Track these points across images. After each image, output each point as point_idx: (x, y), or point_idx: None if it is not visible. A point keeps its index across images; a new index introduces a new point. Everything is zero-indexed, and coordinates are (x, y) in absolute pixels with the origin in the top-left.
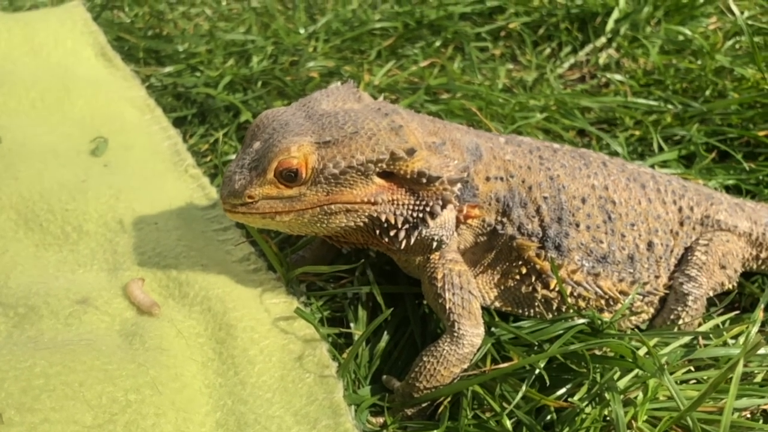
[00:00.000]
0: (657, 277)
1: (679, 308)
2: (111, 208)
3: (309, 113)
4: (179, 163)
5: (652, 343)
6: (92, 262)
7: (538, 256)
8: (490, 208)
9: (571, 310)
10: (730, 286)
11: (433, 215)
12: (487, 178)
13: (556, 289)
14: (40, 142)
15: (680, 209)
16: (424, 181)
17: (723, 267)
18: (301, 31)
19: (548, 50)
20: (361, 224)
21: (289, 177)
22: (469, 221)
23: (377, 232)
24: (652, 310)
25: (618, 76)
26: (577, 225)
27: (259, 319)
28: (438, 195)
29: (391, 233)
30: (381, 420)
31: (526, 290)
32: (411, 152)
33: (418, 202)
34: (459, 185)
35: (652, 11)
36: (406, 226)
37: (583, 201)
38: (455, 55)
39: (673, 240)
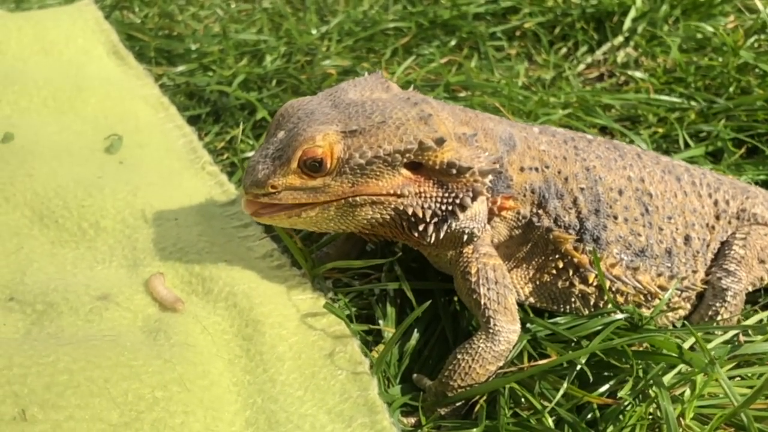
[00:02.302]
0: (694, 272)
1: (718, 304)
2: (129, 204)
3: (335, 102)
4: (195, 161)
5: (691, 341)
6: (111, 259)
7: (575, 249)
8: (525, 199)
9: (610, 305)
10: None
11: (463, 208)
12: (522, 169)
13: (594, 284)
14: (52, 140)
15: (716, 202)
16: (454, 172)
17: (762, 261)
18: (313, 31)
19: (564, 50)
20: (388, 218)
21: (313, 167)
22: (503, 213)
23: (405, 226)
24: (688, 306)
25: (638, 74)
26: (615, 217)
27: (286, 316)
28: (468, 187)
29: (420, 227)
30: (413, 420)
31: (563, 285)
32: (440, 142)
33: (447, 195)
34: (490, 177)
35: (669, 10)
36: (435, 219)
37: (620, 193)
38: (471, 54)
39: (710, 234)
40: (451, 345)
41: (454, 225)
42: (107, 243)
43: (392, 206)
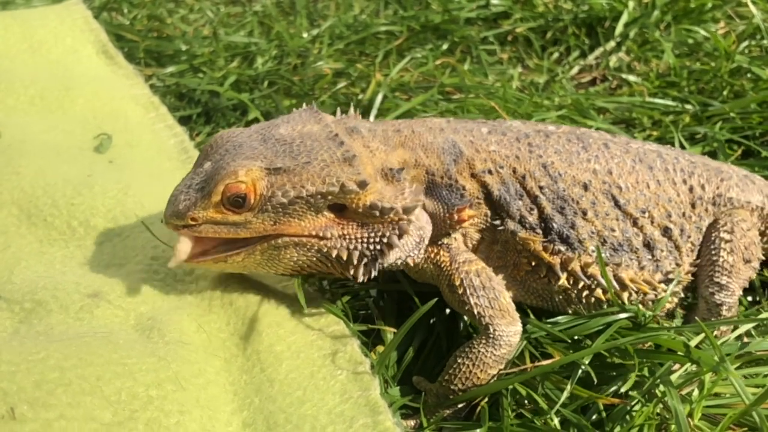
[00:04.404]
0: (678, 264)
1: (713, 319)
2: (119, 203)
3: (265, 137)
4: (187, 161)
5: (697, 340)
6: (101, 257)
7: (545, 249)
8: (485, 203)
9: (607, 304)
10: (754, 276)
11: (390, 246)
12: (473, 175)
13: (570, 281)
14: (40, 139)
15: (691, 189)
16: (378, 213)
17: (748, 261)
18: (304, 35)
19: (556, 54)
20: (314, 259)
21: (235, 202)
22: (464, 224)
23: (336, 267)
24: (675, 300)
25: (632, 77)
26: (584, 213)
27: (284, 315)
28: (394, 225)
29: (350, 269)
30: (413, 422)
31: (541, 282)
32: (363, 185)
33: (372, 235)
34: (417, 212)
35: (660, 16)
36: (364, 260)
37: (585, 187)
38: (463, 58)
39: (688, 224)
40: (446, 347)
41: (385, 263)
42: (97, 241)
43: (315, 248)
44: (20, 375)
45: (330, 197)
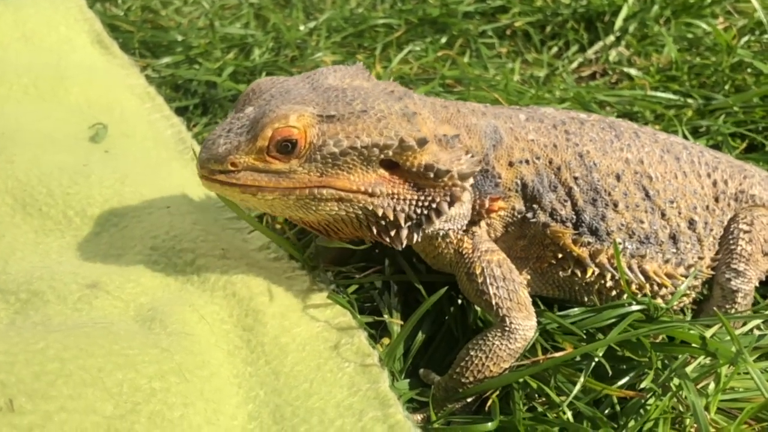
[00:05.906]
0: (701, 258)
1: (728, 306)
2: (117, 193)
3: (314, 85)
4: (185, 151)
5: (711, 331)
6: (98, 247)
7: (574, 242)
8: (518, 195)
9: (626, 296)
10: None
11: (439, 213)
12: (510, 164)
13: (596, 273)
14: (35, 128)
15: (715, 183)
16: (432, 175)
17: (767, 254)
18: (301, 27)
19: (555, 49)
20: (354, 216)
21: (283, 148)
22: (492, 215)
23: (374, 228)
24: (693, 294)
25: (633, 71)
26: (615, 205)
27: (288, 306)
28: (446, 191)
29: (392, 232)
30: (419, 417)
31: (564, 274)
32: (422, 143)
33: (422, 198)
34: (471, 180)
35: (660, 11)
36: (409, 223)
37: (618, 178)
38: (462, 51)
39: (711, 217)
40: (459, 339)
41: (428, 230)
42: (94, 231)
43: (361, 205)
44: (19, 366)
45: (386, 151)
